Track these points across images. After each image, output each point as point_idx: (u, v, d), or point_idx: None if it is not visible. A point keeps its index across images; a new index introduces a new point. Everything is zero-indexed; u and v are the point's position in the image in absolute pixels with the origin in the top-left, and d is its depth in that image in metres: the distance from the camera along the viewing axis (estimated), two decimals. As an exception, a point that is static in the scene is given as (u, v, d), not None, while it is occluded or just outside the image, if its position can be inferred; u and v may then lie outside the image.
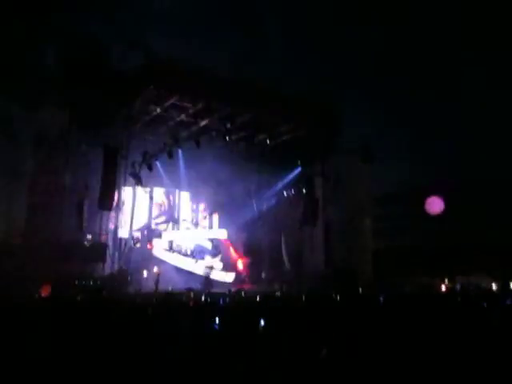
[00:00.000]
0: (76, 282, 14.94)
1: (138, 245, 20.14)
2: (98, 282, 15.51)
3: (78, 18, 17.28)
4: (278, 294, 14.83)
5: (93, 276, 15.83)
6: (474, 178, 24.10)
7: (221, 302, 10.52)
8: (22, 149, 15.53)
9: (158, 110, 18.07)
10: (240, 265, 21.90)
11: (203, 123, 18.95)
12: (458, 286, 19.13)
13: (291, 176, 21.91)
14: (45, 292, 12.51)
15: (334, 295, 11.36)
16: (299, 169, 21.44)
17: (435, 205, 19.57)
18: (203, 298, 11.59)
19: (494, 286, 17.39)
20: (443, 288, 18.04)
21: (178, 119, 18.89)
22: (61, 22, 16.27)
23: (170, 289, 15.71)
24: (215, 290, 17.05)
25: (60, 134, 15.96)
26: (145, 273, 18.29)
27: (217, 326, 6.23)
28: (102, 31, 17.30)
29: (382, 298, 10.02)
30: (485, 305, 8.27)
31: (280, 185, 22.35)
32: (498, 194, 23.98)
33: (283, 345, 4.99)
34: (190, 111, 18.30)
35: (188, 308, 9.62)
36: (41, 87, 15.72)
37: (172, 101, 17.49)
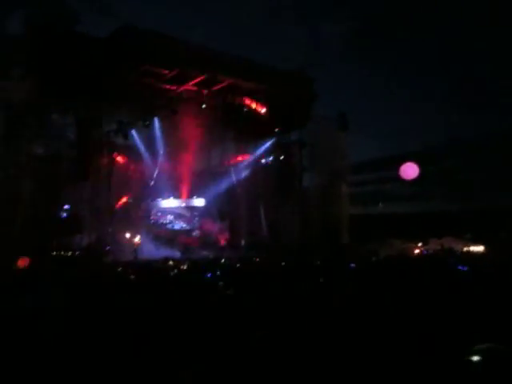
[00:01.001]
0: (53, 254, 14.85)
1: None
2: (76, 253, 15.44)
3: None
4: (256, 260, 15.14)
5: (70, 247, 15.73)
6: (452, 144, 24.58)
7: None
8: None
9: (132, 77, 17.60)
10: (219, 233, 22.05)
11: (179, 90, 18.61)
12: (432, 249, 19.88)
13: (268, 144, 21.90)
14: (21, 263, 12.43)
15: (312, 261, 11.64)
16: (276, 137, 21.47)
17: (409, 170, 19.89)
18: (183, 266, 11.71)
19: (464, 249, 18.10)
20: (416, 251, 18.72)
21: (154, 86, 18.48)
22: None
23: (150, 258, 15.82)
24: (195, 256, 17.22)
25: (30, 103, 15.44)
26: (124, 241, 18.26)
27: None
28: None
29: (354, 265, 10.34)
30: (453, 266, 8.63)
31: (257, 152, 22.33)
32: (473, 159, 24.53)
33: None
34: (165, 78, 17.92)
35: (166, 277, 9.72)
36: (8, 54, 15.08)
37: (146, 67, 17.06)
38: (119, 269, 10.47)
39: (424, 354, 3.34)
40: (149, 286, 7.14)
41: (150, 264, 12.64)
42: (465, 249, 19.17)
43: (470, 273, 8.14)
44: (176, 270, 9.99)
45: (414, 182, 20.72)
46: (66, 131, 17.01)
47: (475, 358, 2.66)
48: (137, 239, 18.56)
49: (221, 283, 6.71)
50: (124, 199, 20.11)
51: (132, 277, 8.29)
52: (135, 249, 17.71)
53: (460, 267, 8.43)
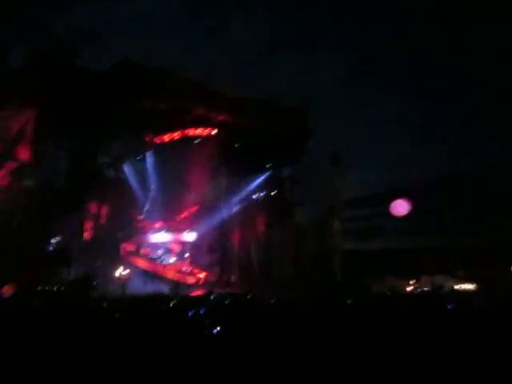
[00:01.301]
0: (38, 288, 14.46)
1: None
2: (62, 288, 15.06)
3: (47, 19, 16.81)
4: (249, 296, 14.82)
5: (56, 281, 15.37)
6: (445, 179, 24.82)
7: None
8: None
9: (127, 111, 17.73)
10: (209, 268, 21.71)
11: (173, 125, 18.77)
12: (424, 287, 19.68)
13: (261, 179, 21.95)
14: (7, 292, 12.09)
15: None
16: (268, 172, 21.55)
17: (400, 207, 20.07)
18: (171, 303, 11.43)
19: (455, 287, 17.96)
20: (408, 289, 18.53)
21: (148, 121, 18.61)
22: (29, 21, 15.83)
23: (138, 293, 15.45)
24: (183, 292, 16.88)
25: (23, 134, 15.46)
26: (112, 275, 17.90)
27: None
28: (71, 32, 16.91)
29: (349, 301, 10.17)
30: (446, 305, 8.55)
31: (250, 188, 22.33)
32: (468, 194, 24.70)
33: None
34: (161, 113, 18.07)
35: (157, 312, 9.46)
36: (6, 86, 15.23)
37: (142, 101, 17.23)
38: (104, 304, 10.18)
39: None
40: (133, 324, 6.93)
41: (137, 301, 12.32)
42: (456, 286, 19.03)
43: (455, 310, 8.12)
44: (163, 308, 9.72)
45: (406, 217, 20.80)
46: (57, 163, 16.97)
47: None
48: (125, 274, 18.21)
49: (207, 321, 6.51)
50: (114, 233, 19.86)
51: (117, 314, 8.04)
52: (123, 284, 17.34)
53: (448, 306, 8.39)
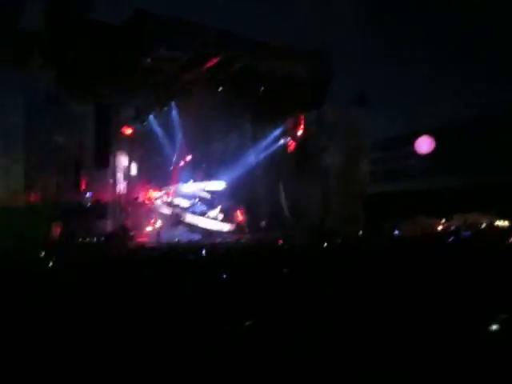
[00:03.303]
0: (79, 240, 15.26)
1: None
2: (102, 239, 15.84)
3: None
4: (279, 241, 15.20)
5: (94, 234, 16.12)
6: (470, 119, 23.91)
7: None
8: (13, 110, 15.33)
9: (148, 62, 17.61)
10: (239, 216, 22.15)
11: (194, 74, 18.53)
12: (456, 225, 19.55)
13: (286, 124, 21.75)
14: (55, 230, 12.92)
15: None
16: (293, 117, 21.34)
17: (424, 144, 19.51)
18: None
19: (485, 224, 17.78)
20: (440, 227, 18.47)
21: (169, 71, 18.46)
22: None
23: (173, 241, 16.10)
24: (217, 239, 17.43)
25: (49, 93, 15.70)
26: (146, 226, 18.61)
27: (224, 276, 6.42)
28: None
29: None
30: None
31: (275, 133, 22.22)
32: (493, 134, 23.83)
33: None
34: (181, 62, 17.86)
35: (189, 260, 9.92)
36: (26, 46, 15.31)
37: (161, 52, 17.03)
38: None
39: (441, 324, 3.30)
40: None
41: (172, 248, 12.87)
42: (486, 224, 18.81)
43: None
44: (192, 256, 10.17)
45: (435, 157, 20.32)
46: (85, 120, 17.26)
47: (494, 328, 2.64)
48: (158, 224, 18.87)
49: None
50: (145, 185, 20.40)
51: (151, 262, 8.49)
52: (157, 232, 18.01)
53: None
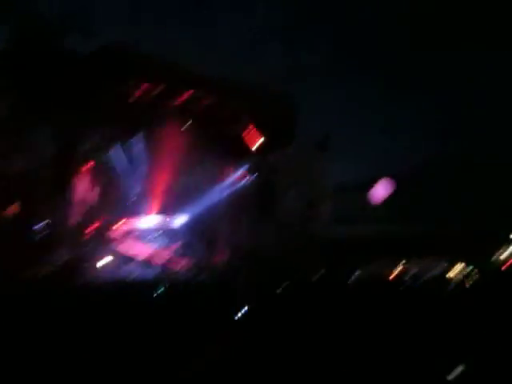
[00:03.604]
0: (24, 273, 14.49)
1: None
2: (49, 273, 15.12)
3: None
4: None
5: (43, 266, 15.39)
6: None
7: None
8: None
9: (116, 93, 17.56)
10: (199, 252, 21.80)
11: (162, 107, 18.61)
12: (409, 272, 19.98)
13: (247, 165, 22.01)
14: None
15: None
16: (255, 158, 21.64)
17: (380, 191, 20.21)
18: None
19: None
20: (393, 274, 18.83)
21: (137, 103, 18.44)
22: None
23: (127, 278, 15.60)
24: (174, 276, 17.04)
25: (8, 118, 15.29)
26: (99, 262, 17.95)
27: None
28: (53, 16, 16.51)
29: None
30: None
31: (236, 174, 22.40)
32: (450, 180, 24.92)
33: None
34: (149, 95, 17.93)
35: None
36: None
37: (130, 84, 17.08)
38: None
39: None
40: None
41: (125, 287, 12.46)
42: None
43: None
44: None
45: (393, 203, 20.95)
46: (45, 147, 16.85)
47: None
48: (112, 259, 18.28)
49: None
50: (102, 217, 19.84)
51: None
52: (111, 269, 17.44)
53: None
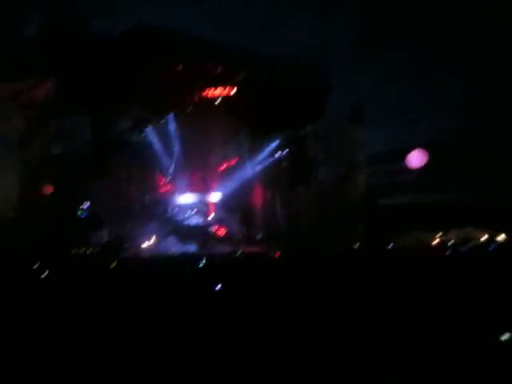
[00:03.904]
0: (72, 252, 15.14)
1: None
2: (95, 250, 15.74)
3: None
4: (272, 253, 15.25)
5: (89, 244, 16.03)
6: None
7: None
8: (9, 120, 15.35)
9: (147, 74, 17.70)
10: (236, 227, 22.09)
11: (193, 86, 18.68)
12: (451, 240, 19.62)
13: (283, 137, 21.87)
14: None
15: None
16: (291, 130, 21.47)
17: (416, 159, 19.66)
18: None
19: (482, 238, 17.89)
20: (435, 242, 18.54)
21: (168, 83, 18.57)
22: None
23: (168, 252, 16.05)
24: (212, 251, 17.35)
25: (46, 104, 15.75)
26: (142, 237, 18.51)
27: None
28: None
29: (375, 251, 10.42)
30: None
31: (272, 146, 22.32)
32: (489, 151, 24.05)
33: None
34: (180, 74, 17.99)
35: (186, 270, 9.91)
36: (25, 55, 15.41)
37: (160, 64, 17.17)
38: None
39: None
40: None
41: (169, 260, 12.83)
42: (483, 238, 18.90)
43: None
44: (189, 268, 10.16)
45: (430, 173, 20.44)
46: (82, 131, 17.33)
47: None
48: (154, 235, 18.80)
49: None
50: (141, 196, 20.37)
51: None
52: (153, 244, 17.95)
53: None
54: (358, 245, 16.84)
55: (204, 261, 11.53)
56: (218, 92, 18.57)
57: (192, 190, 22.14)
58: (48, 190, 15.97)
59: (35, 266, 10.88)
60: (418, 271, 7.49)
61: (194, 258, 12.75)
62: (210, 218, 22.20)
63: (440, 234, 21.03)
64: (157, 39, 16.05)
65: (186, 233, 20.72)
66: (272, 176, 22.50)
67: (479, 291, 5.25)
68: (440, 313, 4.33)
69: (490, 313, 4.05)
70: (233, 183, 22.11)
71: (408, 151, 22.23)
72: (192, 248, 18.61)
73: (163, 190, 21.78)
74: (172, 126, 19.95)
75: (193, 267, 10.63)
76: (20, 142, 15.51)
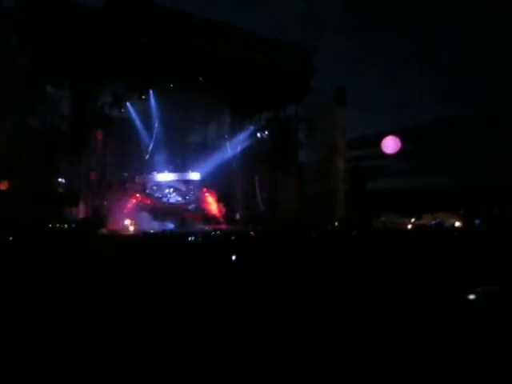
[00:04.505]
0: (49, 226, 14.94)
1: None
2: (72, 225, 15.55)
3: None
4: (251, 233, 15.39)
5: (66, 219, 15.82)
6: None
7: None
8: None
9: (129, 49, 17.28)
10: (214, 208, 22.08)
11: (174, 61, 18.34)
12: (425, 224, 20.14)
13: (265, 118, 21.83)
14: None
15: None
16: (272, 111, 21.44)
17: (390, 144, 20.00)
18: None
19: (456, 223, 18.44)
20: (409, 225, 19.01)
21: (149, 58, 18.17)
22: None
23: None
24: (190, 230, 17.36)
25: (24, 76, 15.24)
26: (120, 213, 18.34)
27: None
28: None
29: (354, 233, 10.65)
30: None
31: (253, 127, 22.27)
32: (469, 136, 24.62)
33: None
34: (162, 50, 17.62)
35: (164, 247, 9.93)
36: (3, 24, 14.85)
37: (142, 38, 16.75)
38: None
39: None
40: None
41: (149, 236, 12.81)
42: (457, 223, 19.46)
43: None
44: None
45: (406, 158, 20.81)
46: (61, 104, 16.91)
47: (472, 297, 3.28)
48: (132, 211, 18.66)
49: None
50: (119, 172, 20.14)
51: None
52: (131, 221, 17.84)
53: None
54: (333, 227, 17.14)
55: (191, 238, 11.60)
56: (199, 70, 18.29)
57: (171, 169, 21.96)
58: (23, 163, 15.54)
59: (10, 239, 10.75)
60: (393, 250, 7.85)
61: (174, 236, 12.78)
62: (188, 197, 22.13)
63: (413, 219, 21.59)
64: (142, 11, 15.66)
65: (164, 211, 20.64)
66: (252, 157, 22.51)
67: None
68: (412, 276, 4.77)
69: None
70: (212, 163, 22.03)
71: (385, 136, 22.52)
72: (170, 226, 18.59)
73: (142, 166, 21.52)
74: (152, 103, 19.63)
75: (173, 244, 10.66)
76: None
